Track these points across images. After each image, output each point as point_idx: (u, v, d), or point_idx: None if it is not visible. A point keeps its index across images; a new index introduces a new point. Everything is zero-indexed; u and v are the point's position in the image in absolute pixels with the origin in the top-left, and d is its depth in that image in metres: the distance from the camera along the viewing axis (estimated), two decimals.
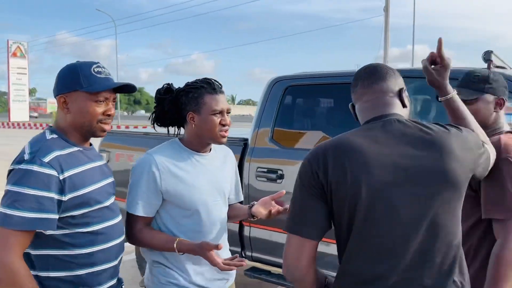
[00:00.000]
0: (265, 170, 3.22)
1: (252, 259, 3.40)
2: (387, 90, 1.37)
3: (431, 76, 1.54)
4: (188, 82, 1.82)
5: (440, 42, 1.50)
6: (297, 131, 3.45)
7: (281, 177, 3.14)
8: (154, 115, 1.84)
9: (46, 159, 1.40)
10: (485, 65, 2.65)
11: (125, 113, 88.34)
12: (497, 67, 2.76)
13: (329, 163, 1.24)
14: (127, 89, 1.60)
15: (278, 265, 3.31)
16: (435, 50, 1.52)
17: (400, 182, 1.23)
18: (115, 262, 1.58)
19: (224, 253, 1.86)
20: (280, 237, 3.16)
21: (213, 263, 1.67)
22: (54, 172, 1.40)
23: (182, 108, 1.78)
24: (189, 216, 1.77)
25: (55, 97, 1.55)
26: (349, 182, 1.22)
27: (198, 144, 1.81)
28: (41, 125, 34.81)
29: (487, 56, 2.65)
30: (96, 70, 1.51)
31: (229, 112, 1.81)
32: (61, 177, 1.41)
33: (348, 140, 1.28)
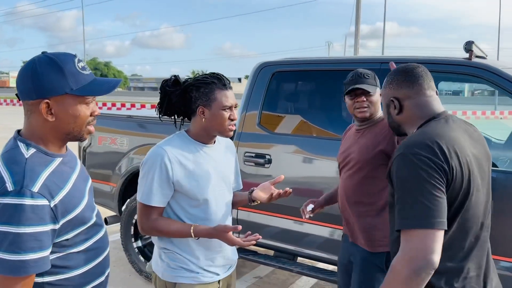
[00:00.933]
0: (253, 155, 3.29)
1: None
2: (435, 90, 1.60)
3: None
4: (198, 77, 1.86)
5: None
6: (284, 116, 3.52)
7: (269, 161, 3.21)
8: (161, 106, 1.88)
9: (36, 188, 1.21)
10: (467, 55, 2.77)
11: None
12: (477, 56, 2.89)
13: (447, 153, 1.36)
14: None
15: (264, 246, 3.42)
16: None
17: (477, 172, 1.43)
18: (107, 273, 1.51)
19: None
20: (260, 218, 3.28)
21: (233, 242, 1.75)
22: (46, 202, 1.22)
23: (192, 101, 1.83)
24: (198, 205, 1.84)
25: (26, 100, 1.30)
26: (462, 170, 1.37)
27: (206, 136, 1.88)
28: (5, 101, 33.53)
29: (468, 47, 2.77)
30: (80, 66, 1.32)
31: (237, 107, 1.87)
32: (52, 205, 1.24)
33: (446, 131, 1.43)
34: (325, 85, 3.34)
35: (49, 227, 1.23)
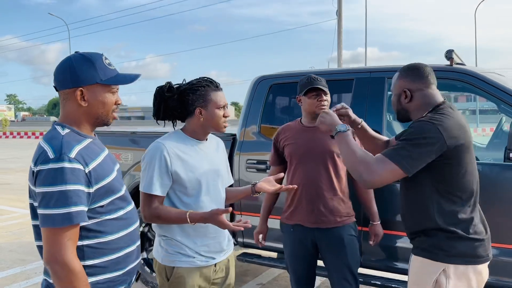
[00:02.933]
0: (255, 161, 3.49)
1: (244, 245, 3.66)
2: (436, 85, 2.01)
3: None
4: (192, 81, 2.07)
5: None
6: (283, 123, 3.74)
7: (269, 167, 3.41)
8: (158, 111, 2.06)
9: (72, 155, 1.44)
10: (447, 62, 3.05)
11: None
12: (457, 63, 3.17)
13: (450, 131, 1.78)
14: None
15: (267, 249, 3.58)
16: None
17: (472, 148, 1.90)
18: (138, 243, 1.70)
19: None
20: (271, 223, 3.43)
21: (225, 226, 1.89)
22: (81, 167, 1.45)
23: (189, 103, 2.03)
24: (193, 195, 2.01)
25: (63, 89, 1.55)
26: (465, 144, 1.82)
27: (201, 133, 2.09)
28: None
29: (449, 55, 3.06)
30: (107, 62, 1.58)
31: (227, 106, 2.10)
32: (86, 171, 1.46)
33: (453, 116, 1.85)
34: None
35: (85, 188, 1.45)
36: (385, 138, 2.33)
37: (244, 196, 2.27)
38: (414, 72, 1.98)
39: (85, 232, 1.49)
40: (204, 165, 2.05)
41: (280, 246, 3.45)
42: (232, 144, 3.67)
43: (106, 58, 1.59)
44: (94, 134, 1.65)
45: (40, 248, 1.51)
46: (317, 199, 2.58)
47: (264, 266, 4.78)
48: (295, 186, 2.20)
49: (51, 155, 1.42)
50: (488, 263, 1.87)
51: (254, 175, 3.49)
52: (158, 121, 2.13)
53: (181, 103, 2.05)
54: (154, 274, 4.03)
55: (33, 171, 1.45)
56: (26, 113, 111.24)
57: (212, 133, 2.15)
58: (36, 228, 1.51)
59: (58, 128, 1.54)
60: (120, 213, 1.60)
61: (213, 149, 2.17)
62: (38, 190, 1.42)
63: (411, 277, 1.94)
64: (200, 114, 2.03)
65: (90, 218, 1.49)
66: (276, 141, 2.81)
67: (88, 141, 1.55)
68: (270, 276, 4.48)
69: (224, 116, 2.06)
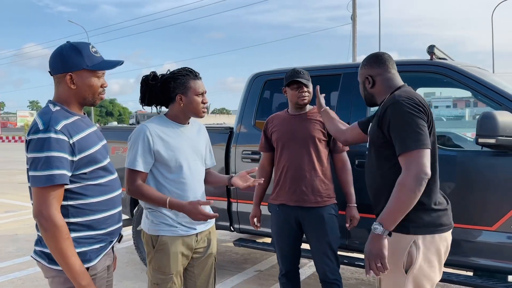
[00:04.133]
0: (249, 152, 3.73)
1: (240, 231, 3.89)
2: (396, 70, 2.19)
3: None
4: (174, 71, 2.30)
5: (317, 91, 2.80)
6: None
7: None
8: (143, 98, 2.30)
9: (58, 128, 1.66)
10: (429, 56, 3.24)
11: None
12: (440, 58, 3.36)
13: (423, 102, 1.94)
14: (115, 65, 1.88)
15: (263, 234, 3.81)
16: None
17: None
18: (119, 209, 1.90)
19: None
20: (265, 209, 3.66)
21: (199, 216, 2.11)
22: (66, 138, 1.67)
23: (171, 90, 2.26)
24: (174, 171, 2.23)
25: (56, 74, 1.78)
26: (431, 116, 1.95)
27: (182, 118, 2.31)
28: (13, 138, 34.34)
29: (430, 50, 3.26)
30: (93, 50, 1.80)
31: (206, 93, 2.32)
32: (71, 142, 1.68)
33: (416, 93, 2.02)
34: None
35: (67, 156, 1.67)
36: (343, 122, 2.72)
37: (222, 184, 2.50)
38: (373, 59, 2.17)
39: (70, 194, 1.72)
40: (184, 145, 2.26)
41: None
42: (229, 136, 3.92)
43: (93, 47, 1.81)
44: (84, 113, 1.89)
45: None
46: (300, 180, 2.82)
47: (263, 254, 5.02)
48: (262, 180, 2.41)
49: (40, 127, 1.66)
50: (451, 230, 2.02)
51: (249, 165, 3.72)
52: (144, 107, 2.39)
53: (164, 91, 2.27)
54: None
55: (26, 140, 1.70)
56: None
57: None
58: (30, 190, 1.73)
59: (51, 105, 1.77)
60: (102, 180, 1.81)
61: (195, 132, 2.38)
62: (29, 155, 1.67)
63: None
64: (180, 100, 2.25)
65: (74, 182, 1.72)
66: (266, 129, 3.07)
67: (75, 118, 1.78)
68: (268, 264, 4.70)
69: (203, 102, 2.27)
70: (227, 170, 3.87)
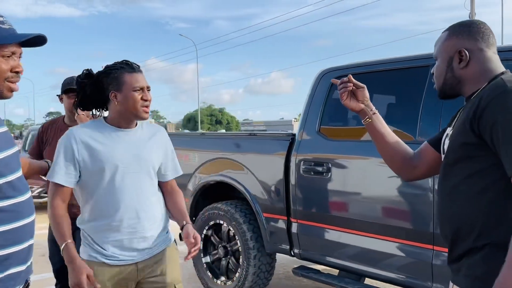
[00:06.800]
0: (311, 163, 3.12)
1: (301, 257, 3.28)
2: None
3: (349, 106, 1.71)
4: (108, 65, 1.93)
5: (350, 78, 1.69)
6: (345, 124, 3.32)
7: (328, 170, 3.02)
8: (77, 100, 1.95)
9: None
10: None
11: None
12: None
13: None
14: (37, 42, 1.38)
15: (328, 264, 3.15)
16: None
17: None
18: (28, 243, 1.37)
19: (155, 225, 1.95)
20: (332, 235, 3.02)
21: (72, 281, 1.75)
22: None
23: (104, 88, 1.89)
24: (102, 185, 1.86)
25: None
26: None
27: (122, 120, 1.92)
28: None
29: None
30: None
31: (149, 89, 1.92)
32: None
33: None
34: (391, 85, 3.07)
35: None
36: (397, 137, 1.73)
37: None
38: (471, 28, 1.46)
39: None
40: (119, 153, 1.88)
41: (343, 262, 3.02)
42: (290, 144, 3.35)
43: (0, 16, 1.32)
44: None
45: None
46: None
47: (322, 284, 4.32)
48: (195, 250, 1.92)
49: None
50: None
51: (311, 179, 3.11)
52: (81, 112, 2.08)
53: (98, 89, 1.91)
54: (216, 280, 3.86)
55: None
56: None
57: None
58: None
59: None
60: (5, 203, 1.28)
61: (144, 138, 1.98)
62: None
63: None
64: (115, 97, 1.88)
65: None
66: None
67: None
68: None
69: (143, 99, 1.87)
70: (286, 183, 3.29)
